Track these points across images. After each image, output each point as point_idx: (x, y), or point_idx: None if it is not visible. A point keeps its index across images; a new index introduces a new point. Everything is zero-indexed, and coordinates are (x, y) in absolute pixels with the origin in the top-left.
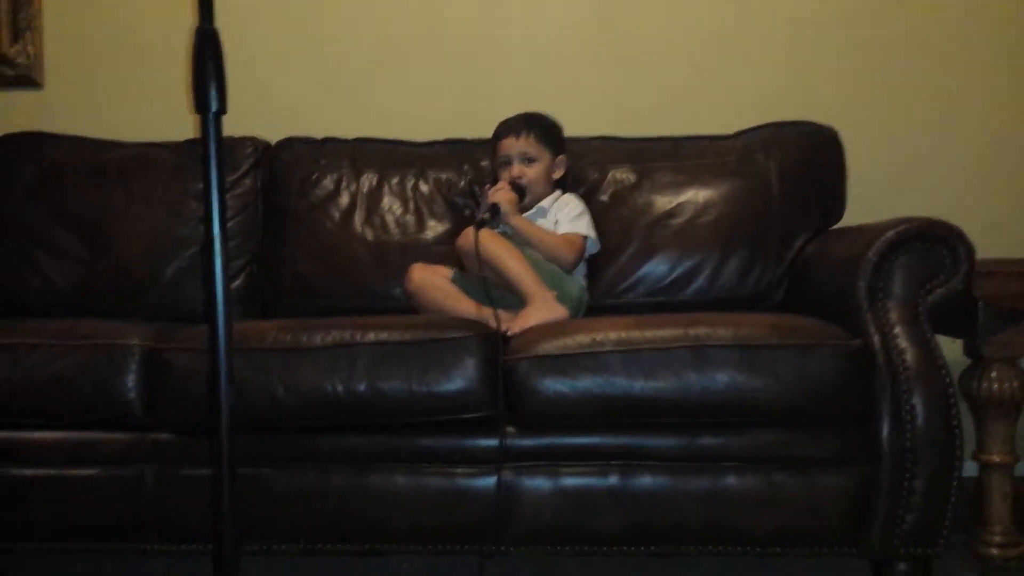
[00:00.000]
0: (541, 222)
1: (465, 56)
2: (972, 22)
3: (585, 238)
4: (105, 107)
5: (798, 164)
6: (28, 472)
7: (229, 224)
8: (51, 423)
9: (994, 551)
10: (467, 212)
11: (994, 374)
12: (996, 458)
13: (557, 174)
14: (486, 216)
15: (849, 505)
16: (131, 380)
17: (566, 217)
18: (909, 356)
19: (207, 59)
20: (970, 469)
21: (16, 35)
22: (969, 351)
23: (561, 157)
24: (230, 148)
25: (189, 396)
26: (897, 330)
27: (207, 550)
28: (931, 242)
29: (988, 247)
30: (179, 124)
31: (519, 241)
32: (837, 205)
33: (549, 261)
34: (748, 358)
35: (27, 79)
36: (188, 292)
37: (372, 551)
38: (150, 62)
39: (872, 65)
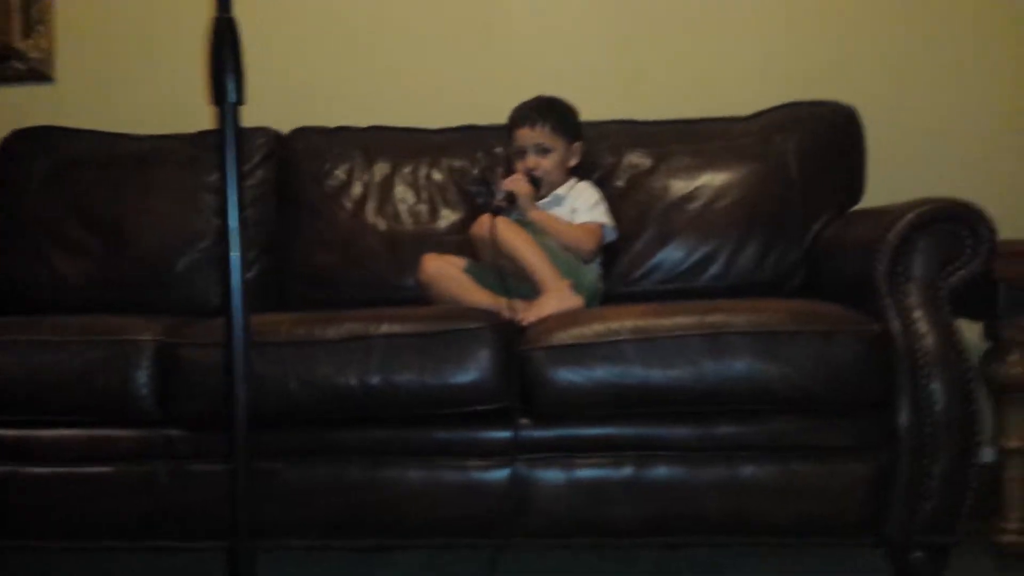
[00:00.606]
0: (557, 210)
1: (478, 40)
2: None
3: (603, 226)
4: (117, 101)
5: (817, 145)
6: (41, 470)
7: (242, 215)
8: (64, 420)
9: (1011, 539)
10: (480, 201)
11: (1015, 357)
12: (1015, 443)
13: (573, 162)
14: (502, 204)
15: (867, 493)
16: (144, 375)
17: (583, 205)
18: (929, 340)
19: (225, 49)
20: (988, 455)
21: (28, 29)
22: (989, 334)
23: (577, 144)
24: (243, 138)
25: (202, 391)
26: (917, 314)
27: (221, 546)
28: (952, 223)
29: (1009, 228)
30: (192, 116)
31: (534, 229)
32: (857, 186)
33: (569, 252)
34: (766, 345)
35: (40, 73)
36: (202, 285)
37: (386, 546)
38: (162, 55)
39: (891, 43)
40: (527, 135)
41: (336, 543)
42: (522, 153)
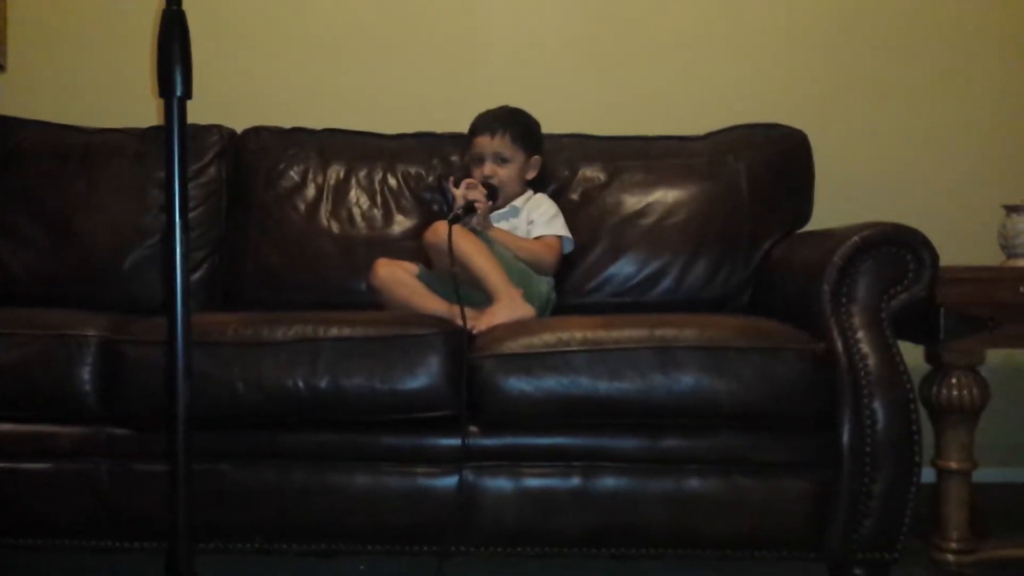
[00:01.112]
0: (513, 221)
1: (439, 49)
2: (942, 29)
3: (561, 239)
4: (69, 91)
5: (767, 166)
6: None
7: (192, 213)
8: (4, 415)
9: (950, 557)
10: (435, 207)
11: (954, 380)
12: (954, 464)
13: (530, 175)
14: (459, 212)
15: (810, 509)
16: (87, 372)
17: (541, 218)
18: (871, 361)
19: (173, 41)
20: (928, 475)
21: None
22: (930, 357)
23: (536, 158)
24: (195, 136)
25: (146, 389)
26: (860, 335)
27: (162, 547)
28: (895, 247)
29: (951, 254)
30: (144, 110)
31: (487, 238)
32: (805, 208)
33: (531, 267)
34: (713, 360)
35: None
36: (149, 282)
37: (331, 551)
38: (115, 46)
39: (842, 69)
40: (486, 143)
41: (280, 547)
42: (480, 160)
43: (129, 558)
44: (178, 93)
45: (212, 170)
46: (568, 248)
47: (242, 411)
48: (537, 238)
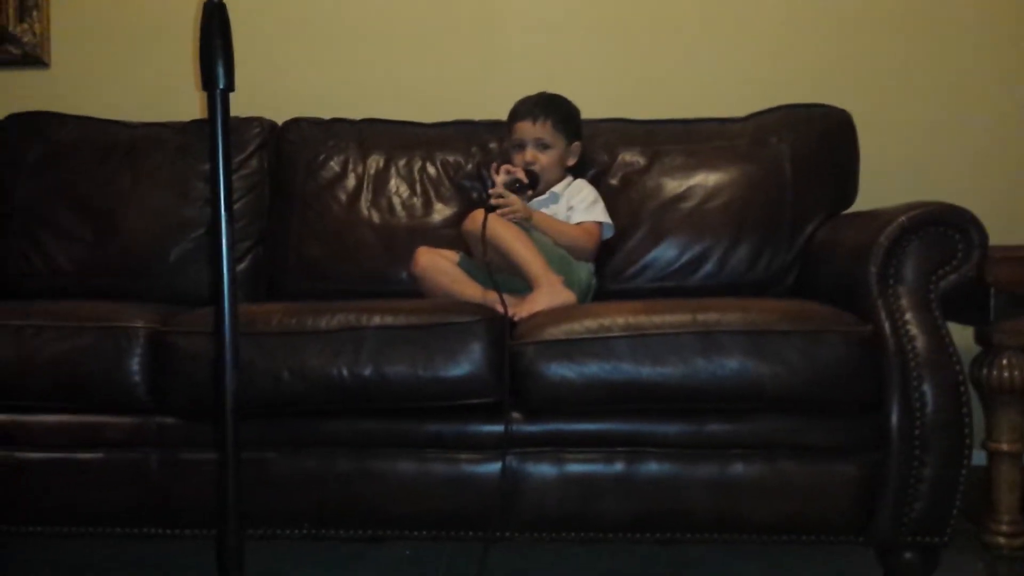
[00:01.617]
0: (553, 207)
1: (475, 35)
2: (990, 4)
3: (601, 225)
4: (112, 87)
5: (811, 147)
6: (32, 455)
7: (235, 205)
8: (56, 406)
9: (1001, 540)
10: (474, 195)
11: (1005, 361)
12: (1005, 447)
13: (571, 161)
14: (493, 202)
15: (857, 493)
16: (136, 363)
17: (581, 204)
18: (920, 343)
19: (214, 34)
20: (978, 458)
21: (23, 13)
22: (980, 338)
23: (576, 144)
24: (237, 128)
25: (194, 379)
26: (908, 316)
27: (211, 535)
28: (943, 227)
29: (1001, 233)
30: (186, 104)
31: (527, 225)
32: (850, 189)
33: (569, 253)
34: (757, 344)
35: (34, 58)
36: (194, 274)
37: (375, 536)
38: (158, 41)
39: (886, 47)
40: (528, 129)
41: (325, 533)
42: (521, 147)
43: (179, 545)
44: (220, 86)
45: (254, 162)
46: (608, 234)
47: (287, 400)
48: (577, 224)
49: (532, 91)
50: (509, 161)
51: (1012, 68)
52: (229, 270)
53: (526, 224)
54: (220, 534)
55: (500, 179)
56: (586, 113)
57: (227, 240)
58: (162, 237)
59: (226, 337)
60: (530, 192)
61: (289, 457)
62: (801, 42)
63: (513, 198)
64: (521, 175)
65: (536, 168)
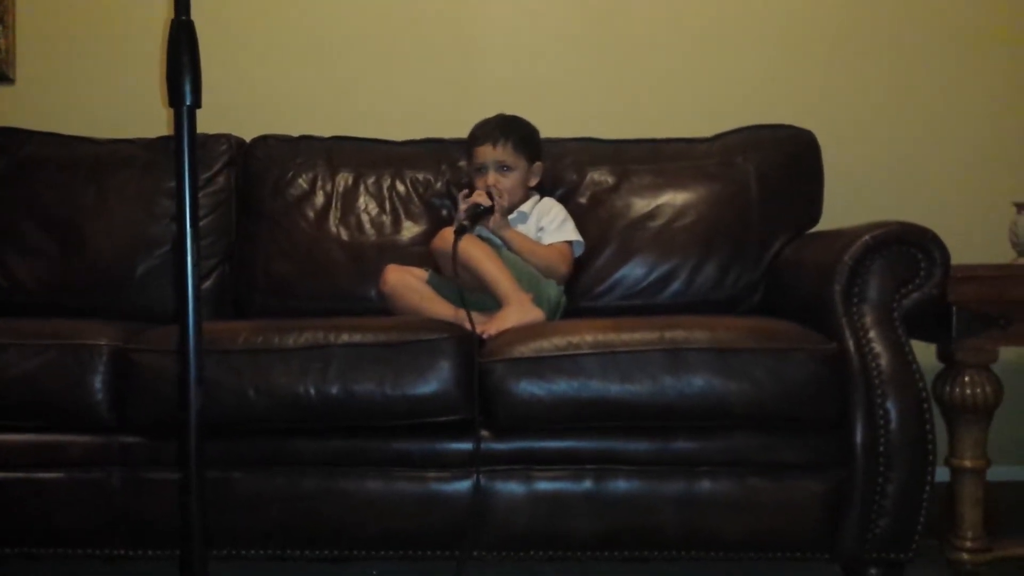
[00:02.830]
0: (521, 227)
1: (444, 54)
2: (949, 26)
3: (572, 244)
4: (78, 102)
5: (776, 167)
6: None
7: (202, 222)
8: (17, 425)
9: (965, 556)
10: (444, 212)
11: (967, 379)
12: (968, 463)
13: (533, 182)
14: (465, 223)
15: (823, 509)
16: (98, 380)
17: (551, 225)
18: (883, 360)
19: (182, 51)
20: (941, 474)
21: None
22: (942, 356)
23: (537, 164)
24: (204, 144)
25: (158, 397)
26: (872, 334)
27: (175, 555)
28: (906, 246)
29: (963, 252)
30: (153, 121)
31: (495, 244)
32: (814, 208)
33: (544, 274)
34: (724, 362)
35: None
36: (159, 291)
37: (342, 557)
38: (125, 58)
39: (850, 69)
40: (488, 152)
41: (291, 554)
42: (482, 170)
43: (142, 566)
44: (187, 102)
45: (221, 179)
46: (579, 252)
47: (253, 418)
48: (549, 246)
49: (501, 110)
50: (471, 185)
51: (974, 89)
52: (194, 287)
53: (500, 237)
54: (184, 554)
55: (463, 207)
56: (555, 132)
57: (192, 257)
58: (128, 254)
59: (190, 354)
60: (504, 205)
61: (255, 476)
62: (768, 64)
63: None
64: (484, 199)
65: (496, 194)
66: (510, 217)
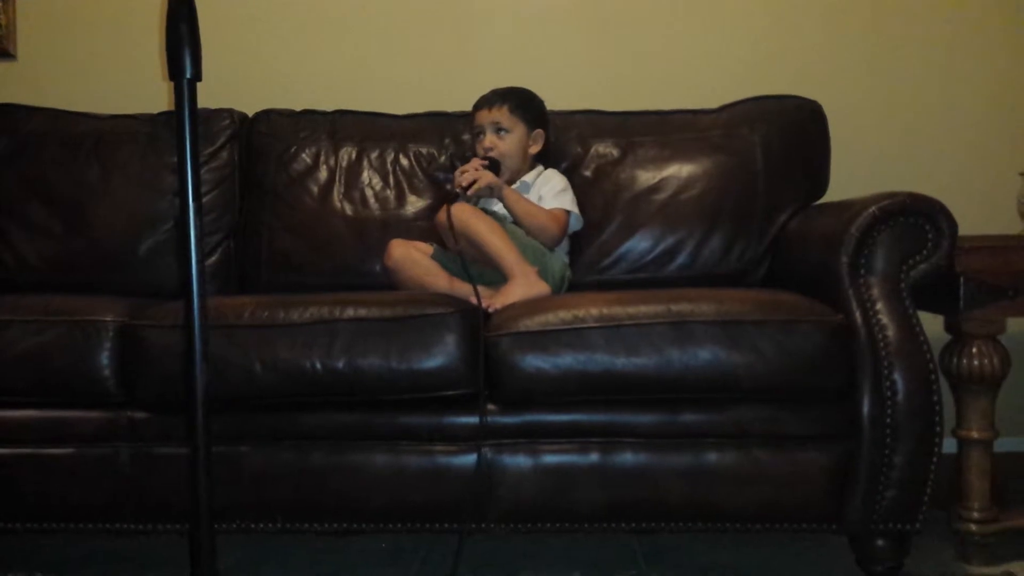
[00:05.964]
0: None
1: (448, 27)
2: None
3: (568, 213)
4: (80, 78)
5: (782, 138)
6: (2, 451)
7: (205, 198)
8: (25, 401)
9: (972, 527)
10: (448, 186)
11: (974, 350)
12: (975, 434)
13: (534, 149)
14: (458, 191)
15: (829, 481)
16: (105, 357)
17: (549, 192)
18: (890, 332)
19: (181, 23)
20: (949, 445)
21: None
22: (950, 327)
23: (538, 131)
24: (206, 120)
25: (165, 373)
26: (879, 306)
27: (183, 529)
28: (914, 217)
29: (970, 222)
30: (155, 96)
31: (498, 217)
32: (821, 180)
33: (534, 236)
34: (730, 334)
35: (0, 49)
36: (164, 267)
37: (350, 530)
38: (126, 33)
39: (856, 39)
40: (485, 115)
41: (299, 527)
42: (480, 134)
43: (151, 540)
44: (187, 75)
45: (224, 154)
46: (576, 225)
47: (260, 393)
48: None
49: (506, 82)
50: (473, 151)
51: (983, 60)
52: (198, 262)
53: (496, 194)
54: (192, 529)
55: (457, 176)
56: (560, 105)
57: (195, 232)
58: (132, 230)
59: (195, 329)
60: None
61: (262, 450)
62: (773, 34)
63: (477, 173)
64: (478, 164)
65: (495, 154)
66: (513, 186)
